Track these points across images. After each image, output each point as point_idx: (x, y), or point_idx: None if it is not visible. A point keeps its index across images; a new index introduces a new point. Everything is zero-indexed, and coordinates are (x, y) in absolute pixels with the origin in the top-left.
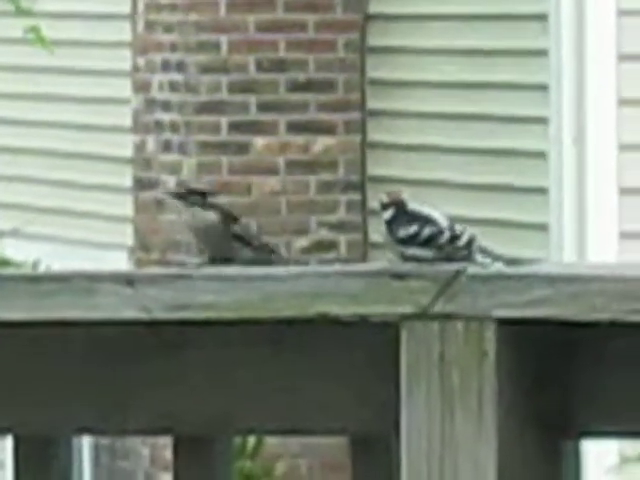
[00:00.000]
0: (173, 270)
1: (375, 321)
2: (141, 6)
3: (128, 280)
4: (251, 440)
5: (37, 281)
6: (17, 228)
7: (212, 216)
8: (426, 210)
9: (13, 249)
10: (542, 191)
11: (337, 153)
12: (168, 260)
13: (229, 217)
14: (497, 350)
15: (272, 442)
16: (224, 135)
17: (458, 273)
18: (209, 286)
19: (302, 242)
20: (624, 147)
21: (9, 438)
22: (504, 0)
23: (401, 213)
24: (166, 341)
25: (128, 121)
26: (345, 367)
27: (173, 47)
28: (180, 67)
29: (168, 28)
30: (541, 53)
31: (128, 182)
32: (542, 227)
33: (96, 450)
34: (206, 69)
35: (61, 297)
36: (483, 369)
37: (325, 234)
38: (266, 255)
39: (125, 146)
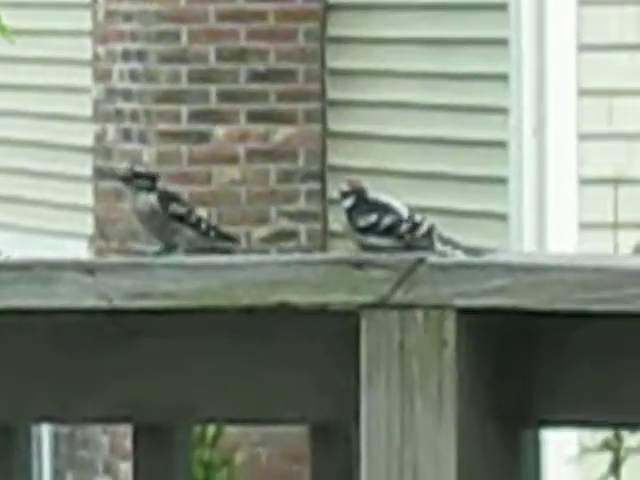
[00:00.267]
0: (133, 259)
1: (335, 310)
2: None
3: (88, 269)
4: (211, 429)
5: None
6: None
7: (152, 199)
8: (386, 199)
9: None
10: (502, 181)
11: (297, 143)
12: (128, 249)
13: (167, 197)
14: (457, 339)
15: (232, 431)
16: (184, 124)
17: (418, 262)
18: (169, 274)
19: (262, 231)
20: (584, 137)
21: None
22: None
23: (361, 202)
24: (126, 330)
25: (88, 110)
26: (305, 356)
27: (133, 36)
28: (140, 56)
29: (128, 17)
30: (501, 43)
31: (88, 171)
32: (502, 217)
33: (56, 439)
34: (166, 58)
35: (21, 285)
36: (443, 358)
37: (285, 223)
38: (225, 243)
39: (85, 135)
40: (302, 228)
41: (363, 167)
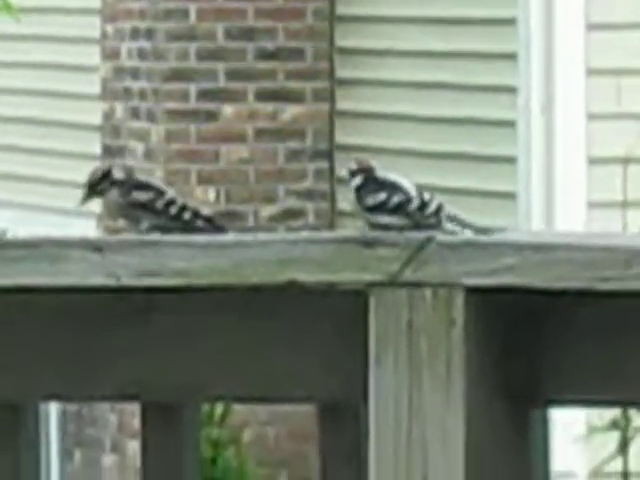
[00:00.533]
0: (141, 237)
1: (343, 289)
2: None
3: (96, 246)
4: (219, 407)
5: (4, 247)
6: None
7: (114, 192)
8: (394, 178)
9: None
10: (510, 160)
11: (305, 121)
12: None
13: (129, 187)
14: (465, 318)
15: (240, 409)
16: (192, 103)
17: (427, 241)
18: (178, 253)
19: (270, 210)
20: (592, 116)
21: None
22: None
23: (370, 180)
24: (134, 308)
25: (97, 88)
26: (313, 335)
27: (142, 15)
28: (149, 35)
29: None
30: (510, 22)
31: (97, 149)
32: (510, 196)
33: (63, 417)
34: (175, 37)
35: (29, 263)
36: (451, 337)
37: (293, 202)
38: (208, 228)
39: (94, 113)
40: (310, 207)
41: (371, 146)
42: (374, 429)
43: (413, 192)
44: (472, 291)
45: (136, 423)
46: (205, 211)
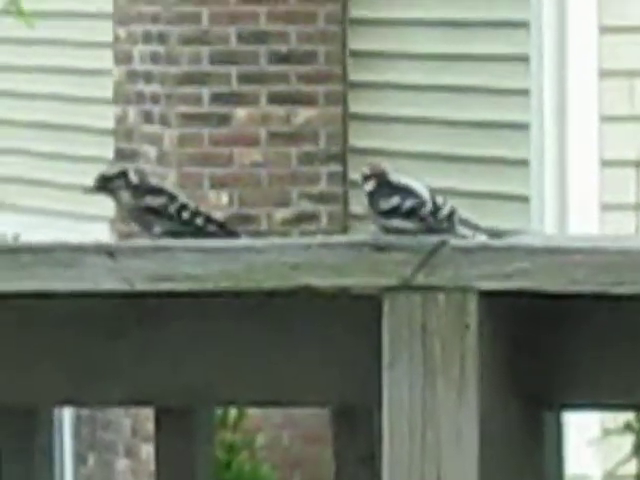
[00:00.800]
0: (154, 242)
1: (357, 293)
2: None
3: (110, 252)
4: (233, 411)
5: (17, 252)
6: None
7: (127, 196)
8: (407, 182)
9: None
10: (523, 163)
11: (318, 125)
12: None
13: (142, 191)
14: (479, 322)
15: (254, 413)
16: (205, 106)
17: (440, 245)
18: (191, 257)
19: (283, 214)
20: (605, 119)
21: None
22: None
23: (383, 185)
24: (147, 313)
25: (109, 92)
26: (327, 339)
27: (154, 18)
28: (161, 38)
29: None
30: (522, 24)
31: (110, 153)
32: (523, 199)
33: (77, 421)
34: (187, 40)
35: (42, 268)
36: (465, 340)
37: (306, 206)
38: (221, 233)
39: (107, 117)
40: (323, 210)
41: (384, 149)
42: (388, 432)
43: (426, 196)
44: (485, 295)
45: (150, 427)
46: (217, 216)
